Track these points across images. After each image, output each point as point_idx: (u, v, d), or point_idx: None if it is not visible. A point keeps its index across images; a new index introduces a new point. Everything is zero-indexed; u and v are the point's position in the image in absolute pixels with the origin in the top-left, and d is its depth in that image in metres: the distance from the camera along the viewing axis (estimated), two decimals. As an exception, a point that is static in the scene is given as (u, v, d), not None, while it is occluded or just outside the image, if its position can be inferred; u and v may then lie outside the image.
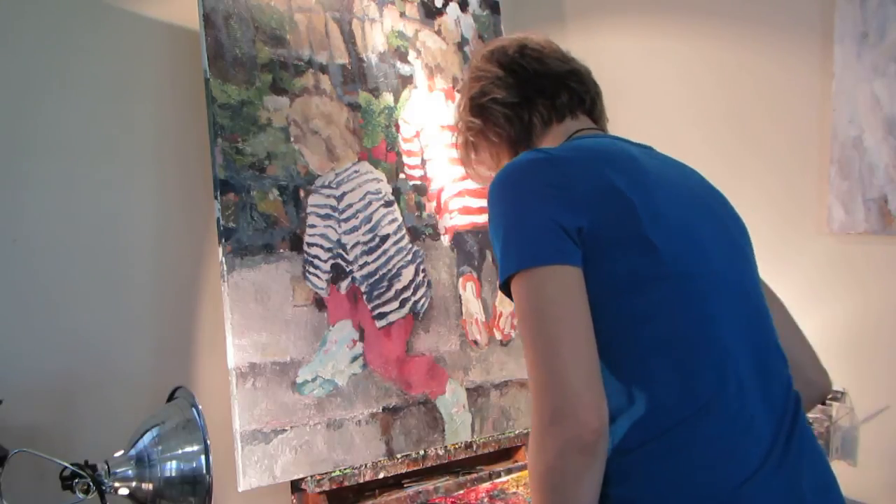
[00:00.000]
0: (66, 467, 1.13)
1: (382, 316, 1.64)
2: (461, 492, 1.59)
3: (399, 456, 1.62)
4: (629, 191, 0.88)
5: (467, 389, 1.76)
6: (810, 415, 1.72)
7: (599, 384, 0.80)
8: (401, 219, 1.71)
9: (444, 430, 1.70)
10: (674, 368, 0.85)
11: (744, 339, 0.90)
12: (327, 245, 1.58)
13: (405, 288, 1.68)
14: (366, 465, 1.57)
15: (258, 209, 1.49)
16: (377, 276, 1.64)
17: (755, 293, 0.97)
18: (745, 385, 0.87)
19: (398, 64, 1.78)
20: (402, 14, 1.81)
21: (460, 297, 1.78)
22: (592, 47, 1.93)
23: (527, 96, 1.07)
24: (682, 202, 0.94)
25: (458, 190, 1.84)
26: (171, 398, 1.31)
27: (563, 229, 0.85)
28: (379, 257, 1.65)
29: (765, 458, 0.84)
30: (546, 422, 0.79)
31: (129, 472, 1.18)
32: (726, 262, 0.94)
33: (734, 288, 0.93)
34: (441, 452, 1.70)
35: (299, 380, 1.50)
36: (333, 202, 1.60)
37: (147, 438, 1.20)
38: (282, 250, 1.51)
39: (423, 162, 1.79)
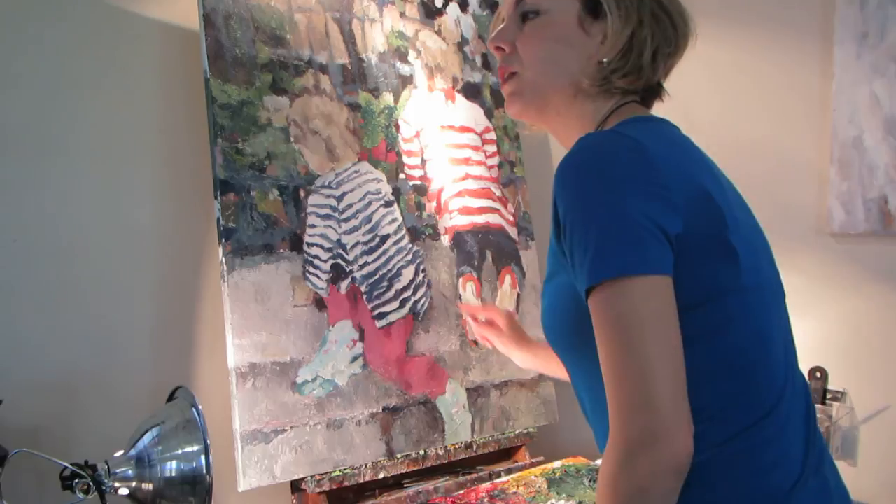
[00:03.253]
0: (66, 467, 1.13)
1: (382, 316, 1.64)
2: (461, 492, 1.59)
3: (399, 456, 1.62)
4: (716, 195, 0.83)
5: (467, 389, 1.76)
6: (810, 415, 1.72)
7: (688, 404, 0.76)
8: (401, 219, 1.71)
9: (444, 430, 1.70)
10: (742, 380, 0.83)
11: (785, 345, 0.90)
12: (327, 245, 1.58)
13: (405, 288, 1.68)
14: (366, 465, 1.57)
15: (258, 209, 1.49)
16: (377, 276, 1.64)
17: (784, 295, 0.96)
18: (788, 390, 0.87)
19: (398, 64, 1.78)
20: (402, 14, 1.81)
21: (460, 297, 1.78)
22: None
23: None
24: (740, 206, 0.91)
25: (458, 190, 1.84)
26: (171, 398, 1.31)
27: (665, 234, 0.78)
28: (379, 257, 1.65)
29: (804, 460, 0.85)
30: (636, 443, 0.74)
31: (129, 472, 1.17)
32: (771, 269, 0.94)
33: (778, 295, 0.93)
34: (441, 452, 1.70)
35: (299, 380, 1.50)
36: (333, 202, 1.60)
37: (147, 438, 1.20)
38: (282, 250, 1.51)
39: (423, 162, 1.79)
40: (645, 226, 0.77)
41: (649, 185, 0.79)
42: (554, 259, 0.90)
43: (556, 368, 1.42)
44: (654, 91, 1.00)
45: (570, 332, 0.89)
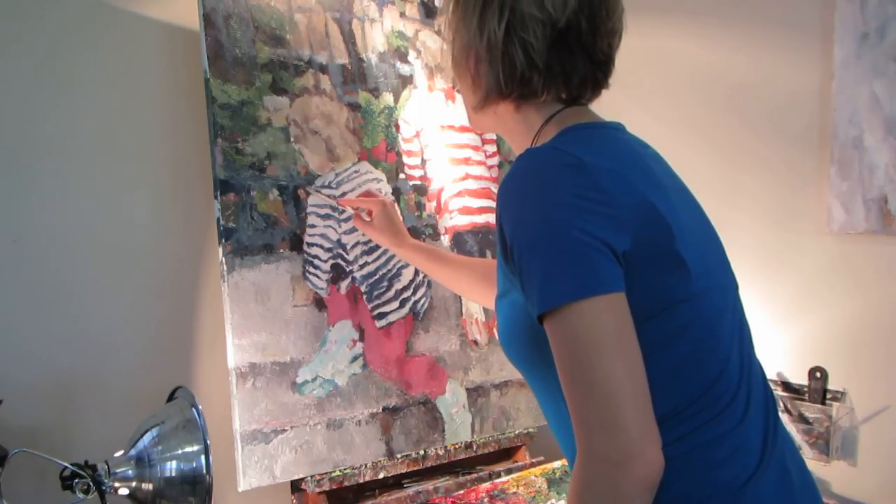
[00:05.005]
0: (66, 467, 1.13)
1: (382, 316, 1.64)
2: (461, 492, 1.59)
3: (399, 456, 1.62)
4: (661, 205, 0.82)
5: (467, 389, 1.76)
6: (810, 414, 1.72)
7: (654, 416, 0.76)
8: (401, 219, 1.71)
9: (444, 430, 1.70)
10: (695, 384, 0.84)
11: (740, 340, 0.90)
12: (327, 245, 1.58)
13: (405, 288, 1.68)
14: (366, 465, 1.57)
15: (258, 209, 1.49)
16: (377, 276, 1.64)
17: (736, 287, 0.96)
18: (744, 385, 0.87)
19: (398, 64, 1.78)
20: (402, 14, 1.81)
21: (460, 296, 1.78)
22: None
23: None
24: (686, 208, 0.91)
25: (458, 190, 1.84)
26: (171, 398, 1.31)
27: (612, 250, 0.78)
28: (379, 257, 1.65)
29: (762, 452, 0.85)
30: (607, 463, 0.74)
31: (129, 472, 1.18)
32: (721, 265, 0.93)
33: (728, 292, 0.92)
34: (441, 452, 1.70)
35: (299, 380, 1.50)
36: (333, 202, 1.60)
37: (147, 438, 1.20)
38: (282, 250, 1.51)
39: (423, 162, 1.79)
40: (590, 244, 0.76)
41: (591, 203, 0.78)
42: (504, 278, 0.90)
43: (439, 273, 1.45)
44: (596, 84, 0.97)
45: (526, 348, 0.88)
